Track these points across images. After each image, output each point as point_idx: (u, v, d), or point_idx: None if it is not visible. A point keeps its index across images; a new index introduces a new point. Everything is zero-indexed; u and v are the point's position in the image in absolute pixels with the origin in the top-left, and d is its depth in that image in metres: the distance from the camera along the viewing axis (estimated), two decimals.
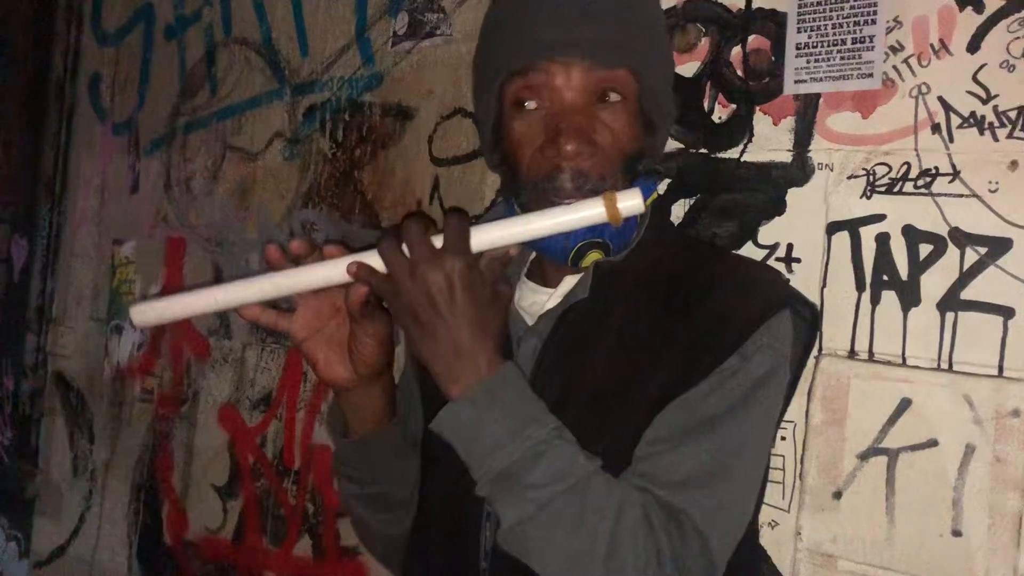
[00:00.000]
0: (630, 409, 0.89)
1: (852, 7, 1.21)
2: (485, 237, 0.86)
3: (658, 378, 0.89)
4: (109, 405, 2.22)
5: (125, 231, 2.22)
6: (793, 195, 1.25)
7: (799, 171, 1.25)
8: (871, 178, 1.19)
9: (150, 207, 2.16)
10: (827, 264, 1.21)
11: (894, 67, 1.18)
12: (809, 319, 0.97)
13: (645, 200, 0.88)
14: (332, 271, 0.89)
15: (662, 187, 1.31)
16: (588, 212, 0.87)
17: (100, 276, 2.28)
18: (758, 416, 0.88)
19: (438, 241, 0.84)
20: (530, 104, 0.93)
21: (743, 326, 0.88)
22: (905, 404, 1.14)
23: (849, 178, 1.20)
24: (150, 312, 0.93)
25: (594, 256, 0.94)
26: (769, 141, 1.27)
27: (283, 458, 1.82)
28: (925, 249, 1.14)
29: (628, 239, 0.97)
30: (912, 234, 1.15)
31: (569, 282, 1.01)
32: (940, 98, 1.14)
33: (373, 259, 0.87)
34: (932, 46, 1.15)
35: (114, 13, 2.32)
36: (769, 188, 1.27)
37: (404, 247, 0.84)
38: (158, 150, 2.17)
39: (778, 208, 1.26)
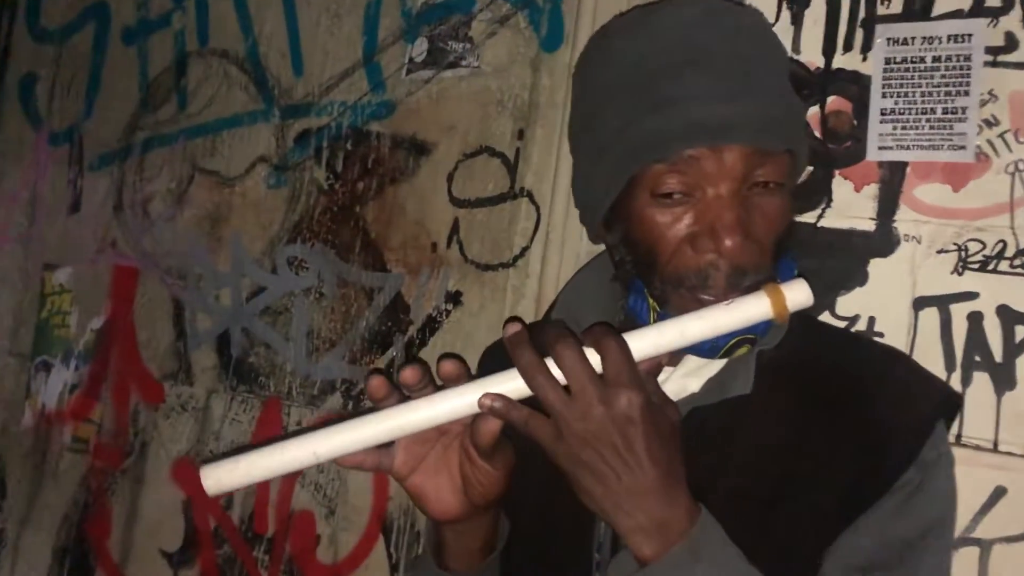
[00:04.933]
0: (793, 515, 0.80)
1: (943, 76, 1.17)
2: (638, 348, 0.75)
3: (825, 485, 0.81)
4: (28, 454, 1.93)
5: (61, 255, 1.96)
6: (876, 266, 1.19)
7: (884, 241, 1.19)
8: (963, 254, 1.14)
9: (94, 229, 1.91)
10: (913, 340, 1.16)
11: (988, 141, 1.14)
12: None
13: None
14: (458, 404, 0.75)
15: None
16: (752, 312, 0.77)
17: (25, 305, 2.00)
18: (949, 537, 0.81)
19: (591, 356, 0.72)
20: (677, 195, 0.82)
21: (916, 434, 0.82)
22: (999, 493, 1.09)
23: (939, 252, 1.15)
24: (227, 477, 0.76)
25: (743, 349, 0.84)
26: (850, 207, 1.21)
27: (253, 523, 1.61)
28: (1021, 331, 1.10)
29: (771, 325, 0.87)
30: (1007, 315, 1.11)
31: (694, 363, 0.90)
32: None
33: (507, 385, 0.74)
34: None
35: (57, 9, 2.07)
36: (849, 256, 1.20)
37: (553, 369, 0.72)
38: (107, 166, 1.93)
39: (859, 278, 1.20)
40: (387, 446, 0.79)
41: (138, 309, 1.83)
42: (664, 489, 0.71)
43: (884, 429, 0.81)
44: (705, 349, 0.82)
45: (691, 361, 0.90)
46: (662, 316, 0.84)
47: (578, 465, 0.72)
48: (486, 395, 0.74)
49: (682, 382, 0.90)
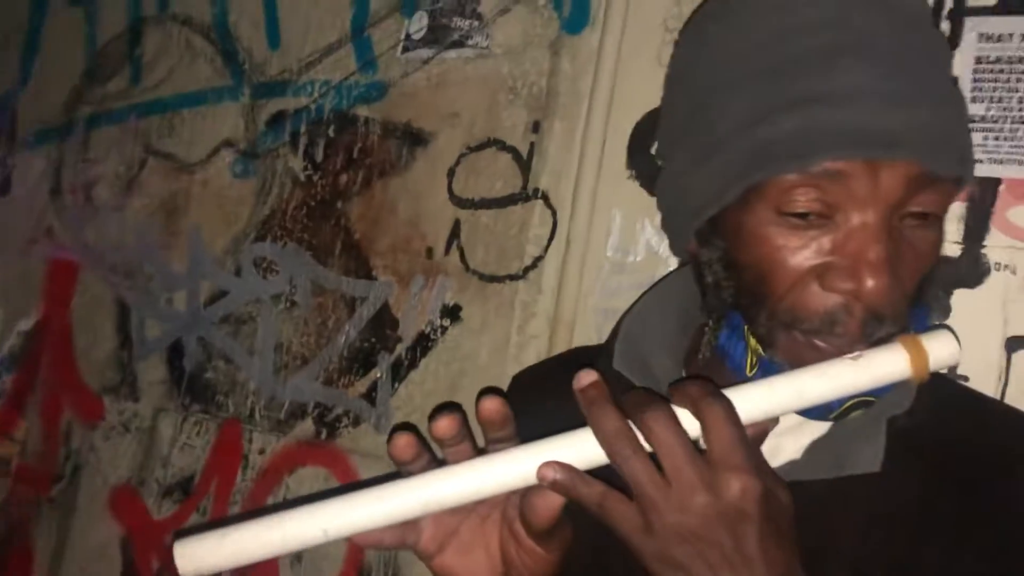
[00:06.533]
0: None
1: None
2: (744, 410, 0.59)
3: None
4: None
5: None
6: (961, 298, 1.03)
7: (970, 270, 1.03)
8: None
9: (26, 216, 1.70)
10: (1005, 387, 1.00)
11: None
12: None
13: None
14: (511, 474, 0.60)
15: None
16: (887, 370, 0.61)
17: None
18: None
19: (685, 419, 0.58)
20: (812, 216, 0.64)
21: None
22: None
23: None
24: (209, 556, 0.59)
25: (858, 412, 0.68)
26: None
27: None
28: None
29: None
30: None
31: (793, 419, 0.72)
32: None
33: (573, 451, 0.59)
34: None
35: None
36: (930, 286, 1.04)
37: (633, 440, 0.58)
38: (45, 144, 1.72)
39: (941, 312, 1.04)
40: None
41: (76, 311, 1.62)
42: None
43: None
44: (816, 410, 0.66)
45: (789, 418, 0.73)
46: (764, 364, 0.68)
47: (669, 566, 0.57)
48: (547, 465, 0.58)
49: (774, 442, 0.72)
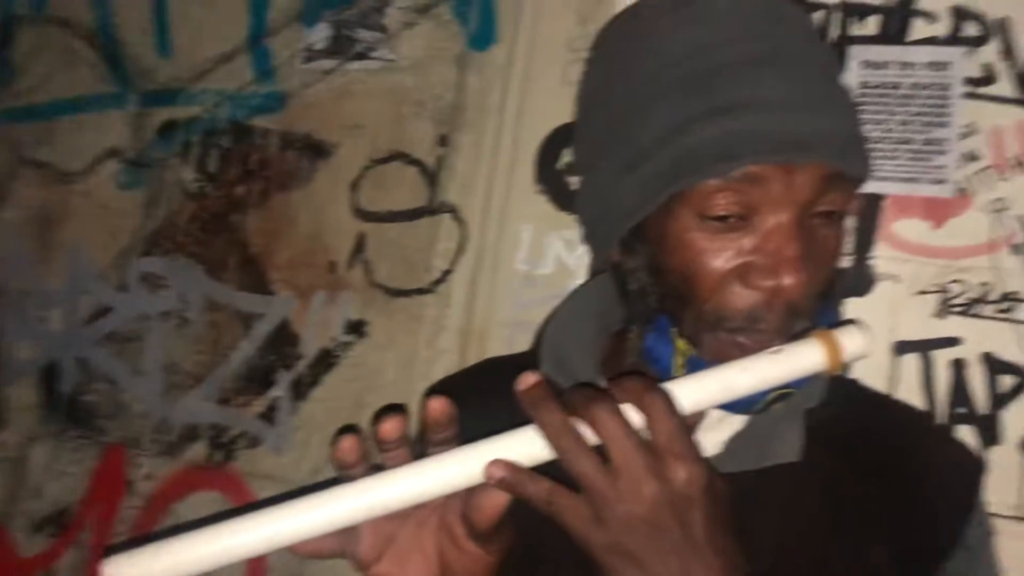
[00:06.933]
0: None
1: (922, 104, 1.09)
2: (680, 405, 0.60)
3: (866, 571, 0.72)
4: None
5: None
6: (852, 307, 1.09)
7: (860, 280, 1.10)
8: (945, 296, 1.06)
9: None
10: (893, 389, 1.07)
11: (968, 177, 1.07)
12: None
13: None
14: (457, 474, 0.58)
15: None
16: (805, 362, 0.63)
17: None
18: None
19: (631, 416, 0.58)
20: (732, 219, 0.67)
21: (960, 514, 0.75)
22: None
23: (920, 293, 1.07)
24: (143, 575, 0.54)
25: (778, 405, 0.71)
26: None
27: None
28: (1006, 381, 1.03)
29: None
30: (992, 363, 1.04)
31: (714, 416, 0.75)
32: (1020, 218, 1.05)
33: (517, 450, 0.58)
34: (1010, 160, 1.06)
35: None
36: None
37: (579, 429, 0.57)
38: None
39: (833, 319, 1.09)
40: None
41: None
42: None
43: (926, 508, 0.74)
44: (740, 404, 0.67)
45: (708, 414, 0.75)
46: (693, 363, 0.69)
47: (621, 556, 0.56)
48: (495, 463, 0.57)
49: (694, 438, 0.74)
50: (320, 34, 1.35)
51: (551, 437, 0.57)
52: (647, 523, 0.55)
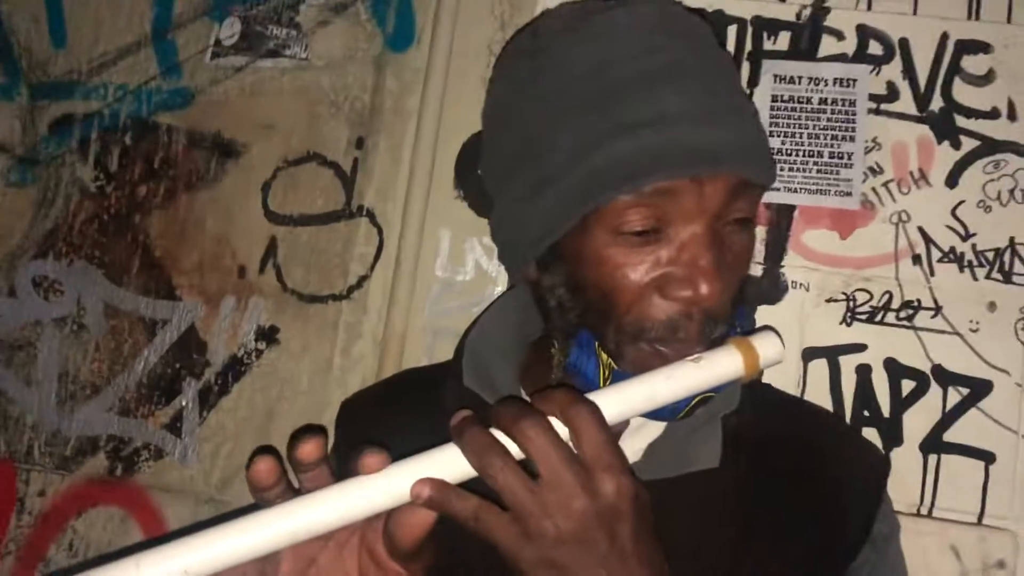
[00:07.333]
0: None
1: (829, 119, 1.13)
2: (606, 416, 0.60)
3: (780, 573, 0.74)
4: None
5: None
6: (763, 314, 1.12)
7: (771, 288, 1.13)
8: (851, 304, 1.10)
9: None
10: (802, 393, 1.10)
11: (873, 189, 1.12)
12: None
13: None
14: (382, 495, 0.56)
15: None
16: (723, 369, 0.65)
17: None
18: None
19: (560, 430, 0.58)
20: (649, 233, 0.68)
21: (866, 511, 0.77)
22: None
23: (828, 301, 1.11)
24: None
25: (699, 410, 0.72)
26: None
27: None
28: (908, 385, 1.08)
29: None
30: (895, 368, 1.09)
31: (633, 424, 0.76)
32: (920, 229, 1.11)
33: (439, 468, 0.57)
34: (912, 174, 1.11)
35: None
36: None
37: (504, 444, 0.57)
38: None
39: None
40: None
41: None
42: None
43: (837, 507, 0.76)
44: (662, 412, 0.68)
45: (631, 422, 0.76)
46: (617, 376, 0.70)
47: (549, 571, 0.56)
48: (421, 481, 0.56)
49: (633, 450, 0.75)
50: (230, 29, 1.29)
51: (474, 455, 0.56)
52: (576, 537, 0.55)
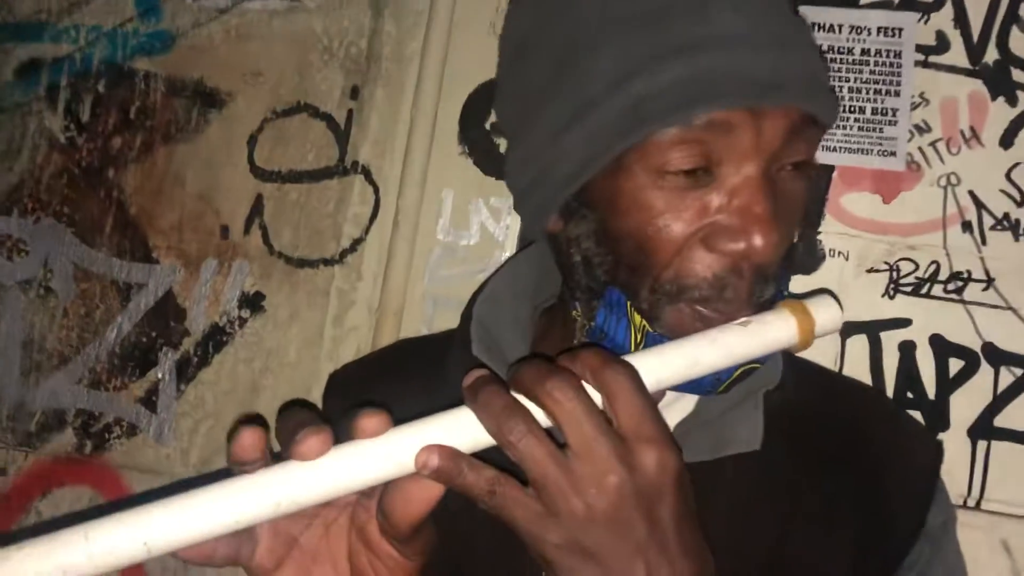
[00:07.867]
0: None
1: (872, 72, 1.04)
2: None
3: (828, 566, 0.67)
4: None
5: None
6: (798, 284, 1.03)
7: (807, 256, 1.03)
8: (894, 275, 1.01)
9: None
10: (840, 371, 1.02)
11: (920, 149, 1.03)
12: None
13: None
14: (380, 463, 0.48)
15: None
16: (776, 336, 0.58)
17: None
18: None
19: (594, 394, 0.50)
20: (699, 172, 0.59)
21: (921, 501, 0.70)
22: None
23: (869, 272, 1.02)
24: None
25: (738, 385, 0.64)
26: None
27: None
28: (956, 364, 1.00)
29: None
30: (941, 346, 1.00)
31: (666, 398, 0.67)
32: (971, 193, 1.02)
33: (451, 435, 0.49)
34: (962, 133, 1.02)
35: None
36: None
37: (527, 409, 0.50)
38: None
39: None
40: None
41: None
42: None
43: (887, 496, 0.70)
44: (705, 384, 0.61)
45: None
46: (652, 340, 0.61)
47: (577, 556, 0.49)
48: (428, 448, 0.48)
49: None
50: None
51: (492, 418, 0.48)
52: (610, 518, 0.48)
